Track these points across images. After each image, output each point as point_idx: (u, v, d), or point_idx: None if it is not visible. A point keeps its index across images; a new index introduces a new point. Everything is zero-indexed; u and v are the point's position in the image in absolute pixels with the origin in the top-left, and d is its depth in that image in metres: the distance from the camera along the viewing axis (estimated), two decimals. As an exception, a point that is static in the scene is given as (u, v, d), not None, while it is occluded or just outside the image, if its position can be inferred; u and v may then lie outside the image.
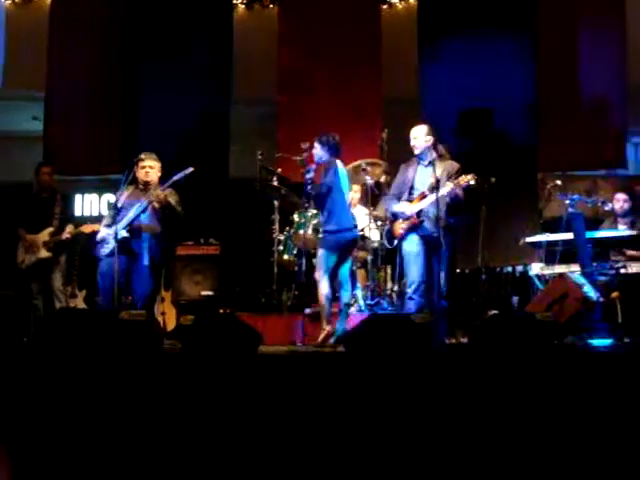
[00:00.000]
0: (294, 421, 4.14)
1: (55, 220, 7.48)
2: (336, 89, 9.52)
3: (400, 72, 9.67)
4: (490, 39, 9.50)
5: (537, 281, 6.94)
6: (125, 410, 4.14)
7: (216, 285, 7.98)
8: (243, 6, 10.20)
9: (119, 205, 6.37)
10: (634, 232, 6.96)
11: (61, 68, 9.57)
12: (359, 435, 4.06)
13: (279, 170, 7.41)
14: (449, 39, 9.47)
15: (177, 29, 9.70)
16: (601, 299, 6.00)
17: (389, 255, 7.33)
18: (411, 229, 6.22)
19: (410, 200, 6.29)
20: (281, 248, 7.13)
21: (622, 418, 4.07)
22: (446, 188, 6.06)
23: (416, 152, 6.34)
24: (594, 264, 6.45)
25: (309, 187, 6.38)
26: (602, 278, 6.49)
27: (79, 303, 7.96)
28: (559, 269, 6.75)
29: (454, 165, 6.29)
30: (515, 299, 7.94)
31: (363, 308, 7.21)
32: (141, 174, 6.50)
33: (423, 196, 6.20)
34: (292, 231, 7.01)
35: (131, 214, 6.33)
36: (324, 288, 6.17)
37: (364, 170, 7.32)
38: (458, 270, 8.41)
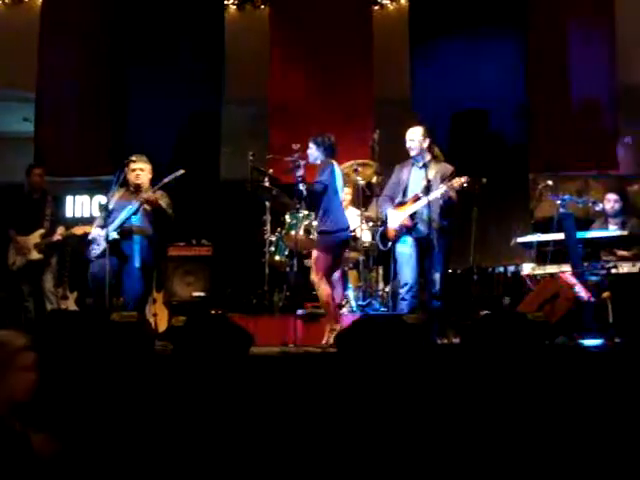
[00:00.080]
0: (286, 422, 4.14)
1: (46, 222, 7.47)
2: (327, 90, 9.52)
3: (391, 73, 9.66)
4: (481, 40, 9.51)
5: (528, 281, 6.95)
6: (117, 411, 4.13)
7: (208, 286, 7.97)
8: (234, 7, 10.19)
9: (110, 207, 6.35)
10: (625, 232, 6.98)
11: (52, 69, 9.54)
12: (351, 435, 4.07)
13: (270, 171, 7.40)
14: (440, 40, 9.49)
15: (168, 30, 9.67)
16: (592, 299, 6.01)
17: (381, 256, 7.34)
18: (405, 231, 6.24)
19: (404, 202, 6.31)
20: (273, 249, 7.12)
21: (613, 417, 4.09)
22: (440, 190, 6.08)
23: (412, 154, 6.35)
24: (585, 264, 6.46)
25: (302, 185, 6.33)
26: (593, 278, 6.49)
27: (70, 305, 7.93)
28: (550, 269, 6.76)
29: (448, 167, 6.31)
30: (507, 299, 7.95)
31: (355, 309, 7.23)
32: (132, 177, 6.49)
33: (417, 198, 6.22)
34: (284, 232, 7.00)
35: (122, 216, 6.31)
36: (326, 289, 6.13)
37: (355, 171, 7.32)
38: (450, 270, 8.42)
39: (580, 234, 6.66)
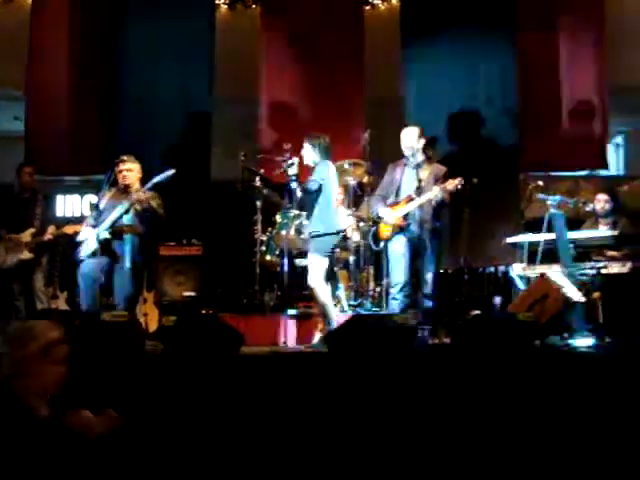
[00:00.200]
0: (277, 421, 4.14)
1: (36, 221, 7.44)
2: (319, 89, 9.49)
3: (382, 73, 9.66)
4: (472, 40, 9.51)
5: (519, 281, 6.96)
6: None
7: (198, 286, 7.97)
8: (225, 6, 10.18)
9: (101, 206, 6.35)
10: (615, 233, 6.99)
11: (42, 68, 9.51)
12: (342, 435, 4.07)
13: (262, 171, 7.39)
14: (431, 40, 9.49)
15: (159, 29, 9.65)
16: (582, 299, 6.02)
17: (372, 256, 7.34)
18: (398, 231, 6.25)
19: (397, 202, 6.32)
20: (263, 249, 7.12)
21: (603, 417, 4.10)
22: (433, 192, 6.09)
23: (407, 154, 6.36)
24: (575, 264, 6.48)
25: (295, 183, 6.30)
26: (583, 278, 6.51)
27: (61, 304, 7.91)
28: (540, 269, 6.76)
29: (441, 168, 6.32)
30: (497, 299, 7.96)
31: (346, 309, 7.22)
32: (119, 177, 6.50)
33: (410, 199, 6.23)
34: (274, 232, 7.01)
35: (113, 216, 6.31)
36: (326, 290, 6.14)
37: (346, 171, 7.33)
38: (441, 270, 8.43)
39: (570, 234, 6.67)
